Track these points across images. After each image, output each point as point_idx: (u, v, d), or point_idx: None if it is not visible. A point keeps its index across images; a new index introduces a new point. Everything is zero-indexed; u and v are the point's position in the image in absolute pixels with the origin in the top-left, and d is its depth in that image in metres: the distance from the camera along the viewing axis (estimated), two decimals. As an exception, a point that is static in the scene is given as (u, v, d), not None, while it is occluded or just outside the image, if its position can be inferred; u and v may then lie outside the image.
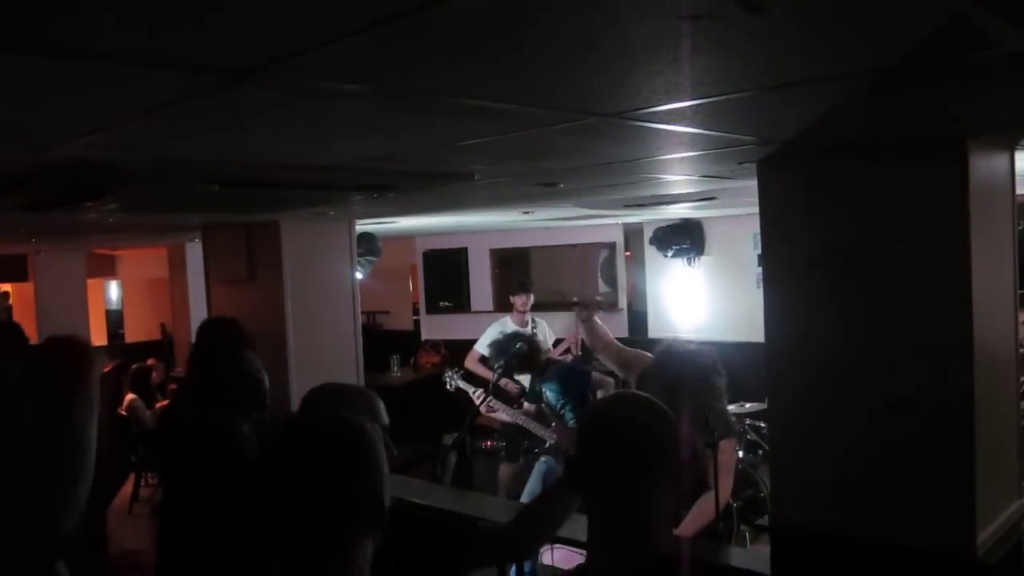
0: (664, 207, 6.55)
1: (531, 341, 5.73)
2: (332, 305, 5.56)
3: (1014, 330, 3.12)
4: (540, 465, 5.86)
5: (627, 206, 5.44)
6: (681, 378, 3.61)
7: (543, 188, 3.66)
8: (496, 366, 5.70)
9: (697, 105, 1.99)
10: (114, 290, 13.26)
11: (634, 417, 1.82)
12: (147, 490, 8.05)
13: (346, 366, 5.58)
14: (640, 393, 2.14)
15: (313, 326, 5.40)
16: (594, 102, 1.92)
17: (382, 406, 2.55)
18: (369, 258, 6.16)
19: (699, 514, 3.74)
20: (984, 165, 2.82)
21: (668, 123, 2.24)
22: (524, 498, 5.80)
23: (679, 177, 3.66)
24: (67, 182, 2.56)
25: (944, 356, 2.74)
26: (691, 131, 2.40)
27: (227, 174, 2.48)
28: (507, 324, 7.78)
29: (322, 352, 5.42)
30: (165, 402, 8.20)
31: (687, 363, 3.80)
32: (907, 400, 2.80)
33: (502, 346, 5.70)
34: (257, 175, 2.50)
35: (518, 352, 5.54)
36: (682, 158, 3.09)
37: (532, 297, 7.83)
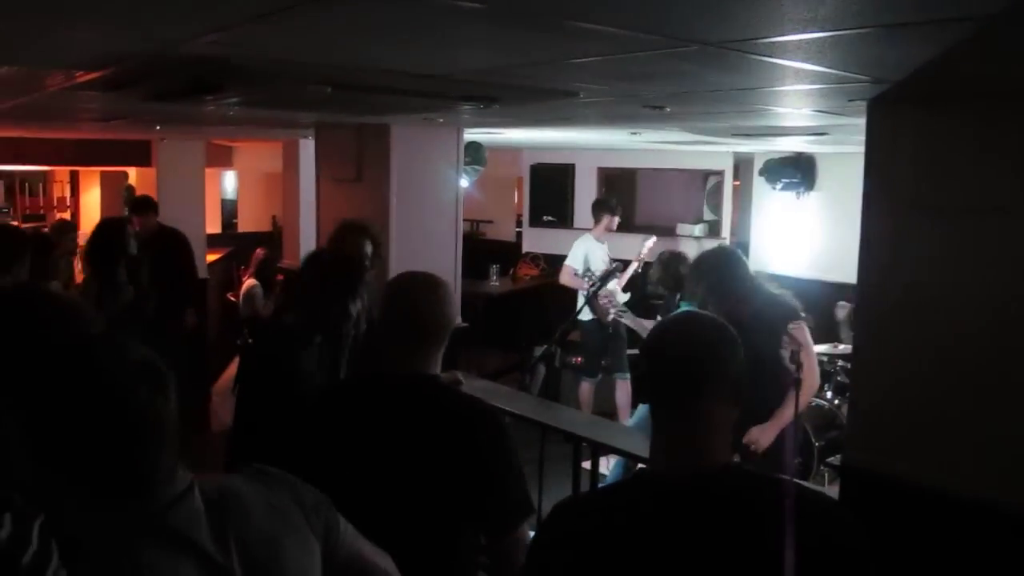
0: (774, 139, 6.43)
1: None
2: (435, 210, 5.68)
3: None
4: None
5: (735, 135, 5.37)
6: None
7: (650, 110, 3.66)
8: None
9: (812, 40, 1.98)
10: (229, 181, 13.68)
11: (694, 335, 1.87)
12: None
13: (445, 271, 5.71)
14: (705, 313, 2.18)
15: (416, 229, 5.54)
16: (701, 29, 1.93)
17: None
18: (475, 167, 6.25)
19: (780, 415, 3.92)
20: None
21: (777, 57, 2.23)
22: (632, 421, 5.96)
23: (788, 110, 3.61)
24: (192, 76, 2.69)
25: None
26: (801, 66, 2.38)
27: (339, 77, 2.57)
28: (590, 240, 7.83)
29: (422, 255, 5.54)
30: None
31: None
32: (1002, 352, 2.76)
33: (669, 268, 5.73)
34: (367, 80, 2.59)
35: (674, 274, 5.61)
36: (792, 91, 3.06)
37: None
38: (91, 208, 12.58)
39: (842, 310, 7.20)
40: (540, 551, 1.86)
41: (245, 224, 13.31)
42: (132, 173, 11.11)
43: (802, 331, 4.12)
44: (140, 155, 9.60)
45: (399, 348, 2.37)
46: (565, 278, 7.85)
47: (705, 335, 1.85)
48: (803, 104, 3.39)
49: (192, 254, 7.72)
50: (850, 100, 3.04)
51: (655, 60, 2.35)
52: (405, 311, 2.38)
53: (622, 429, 5.68)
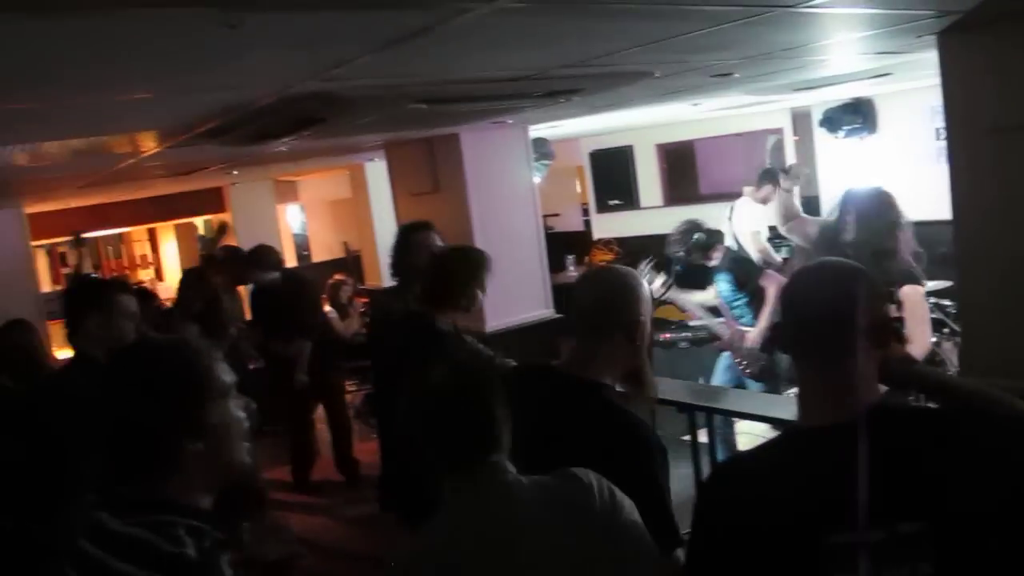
0: (831, 87, 6.46)
1: (709, 230, 5.84)
2: (515, 208, 5.84)
3: None
4: (724, 359, 6.00)
5: (797, 89, 5.43)
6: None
7: (718, 79, 3.77)
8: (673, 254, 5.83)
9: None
10: (293, 214, 14.01)
11: (827, 283, 1.97)
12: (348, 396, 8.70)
13: (531, 267, 5.87)
14: (836, 260, 2.23)
15: (498, 230, 5.69)
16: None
17: None
18: (544, 161, 6.40)
19: None
20: None
21: (848, 6, 2.33)
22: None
23: (857, 55, 3.70)
24: (296, 113, 2.88)
25: None
26: (871, 11, 2.48)
27: (435, 93, 2.74)
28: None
29: (508, 255, 5.66)
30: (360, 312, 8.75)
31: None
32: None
33: (680, 237, 5.81)
34: (460, 91, 2.75)
35: (697, 242, 5.67)
36: (861, 37, 3.15)
37: None
38: (171, 260, 13.03)
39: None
40: (706, 510, 1.95)
41: (318, 254, 13.62)
42: (199, 222, 11.55)
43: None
44: (214, 202, 9.98)
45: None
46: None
47: (846, 283, 1.94)
48: (872, 48, 3.47)
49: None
50: (919, 36, 3.12)
51: (732, 30, 2.46)
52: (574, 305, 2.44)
53: (734, 392, 5.68)
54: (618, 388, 2.47)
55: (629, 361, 2.43)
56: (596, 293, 2.45)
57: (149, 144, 3.60)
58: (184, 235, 12.66)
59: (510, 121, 5.08)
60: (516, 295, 5.71)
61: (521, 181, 5.88)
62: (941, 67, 3.15)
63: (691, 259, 5.78)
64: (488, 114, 4.05)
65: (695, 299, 5.92)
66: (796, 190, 4.96)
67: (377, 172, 8.45)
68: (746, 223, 7.97)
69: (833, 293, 1.92)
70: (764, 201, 7.68)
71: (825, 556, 1.77)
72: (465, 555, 1.83)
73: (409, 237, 4.83)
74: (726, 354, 5.95)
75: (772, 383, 5.69)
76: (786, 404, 4.34)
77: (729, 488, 1.85)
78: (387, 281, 8.54)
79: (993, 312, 3.06)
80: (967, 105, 3.08)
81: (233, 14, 1.35)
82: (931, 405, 2.34)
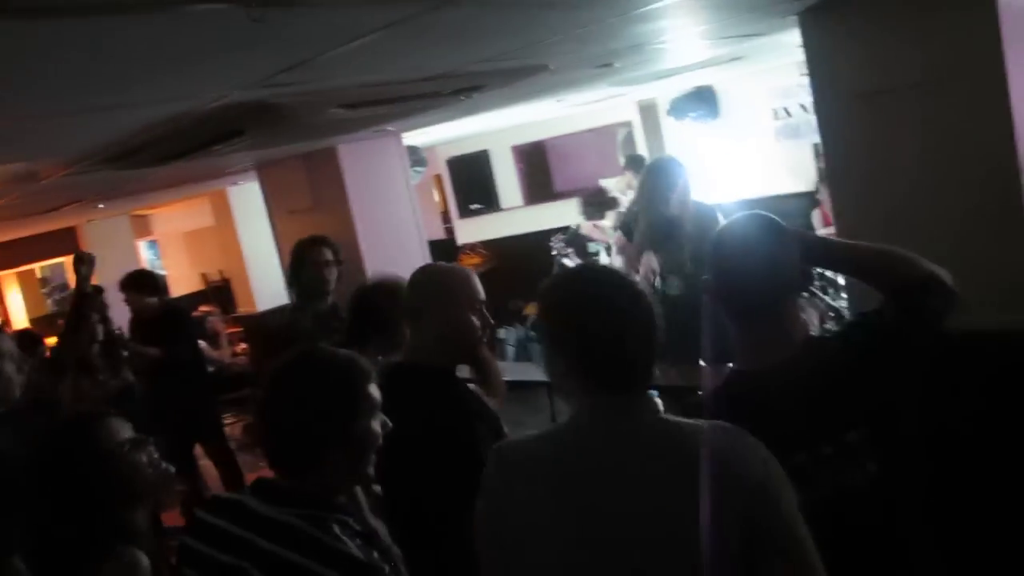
0: (675, 76, 6.83)
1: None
2: (397, 218, 5.91)
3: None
4: None
5: (660, 77, 5.74)
6: None
7: (599, 69, 3.99)
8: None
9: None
10: (147, 249, 13.54)
11: (756, 239, 2.19)
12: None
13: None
14: (755, 215, 2.42)
15: (384, 240, 5.74)
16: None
17: None
18: (418, 168, 6.50)
19: None
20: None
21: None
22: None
23: (726, 37, 3.98)
24: (216, 126, 2.90)
25: (990, 158, 3.11)
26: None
27: (356, 96, 2.83)
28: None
29: (395, 265, 5.64)
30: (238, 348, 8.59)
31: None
32: (966, 204, 3.17)
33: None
34: (380, 92, 2.84)
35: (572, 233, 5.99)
36: (729, 21, 3.42)
37: None
38: (17, 311, 12.38)
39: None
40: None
41: (175, 288, 13.23)
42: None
43: None
44: (67, 243, 9.57)
45: None
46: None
47: (775, 237, 2.16)
48: (738, 31, 3.76)
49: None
50: (783, 16, 3.42)
51: (624, 23, 2.67)
52: None
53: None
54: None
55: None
56: None
57: (45, 171, 3.51)
58: (25, 282, 12.07)
59: (391, 129, 5.17)
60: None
61: (401, 189, 5.96)
62: (805, 43, 3.46)
63: (576, 249, 6.10)
64: (386, 119, 4.14)
65: None
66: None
67: (242, 196, 8.37)
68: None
69: (765, 248, 2.15)
70: (630, 187, 8.05)
71: (789, 475, 2.00)
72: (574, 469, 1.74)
73: (302, 254, 4.87)
74: None
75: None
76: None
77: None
78: (263, 305, 8.48)
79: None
80: (832, 75, 3.39)
81: (256, 9, 1.40)
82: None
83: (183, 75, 1.98)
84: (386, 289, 3.55)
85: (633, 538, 1.67)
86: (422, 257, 6.05)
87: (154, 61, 1.78)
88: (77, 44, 1.56)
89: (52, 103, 2.09)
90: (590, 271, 1.96)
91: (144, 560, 1.98)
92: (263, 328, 7.29)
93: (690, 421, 1.78)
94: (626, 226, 5.41)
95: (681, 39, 3.63)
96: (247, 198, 8.31)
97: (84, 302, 5.35)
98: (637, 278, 2.50)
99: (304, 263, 4.91)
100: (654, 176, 4.69)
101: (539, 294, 1.87)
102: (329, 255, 4.84)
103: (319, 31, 1.80)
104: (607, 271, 1.98)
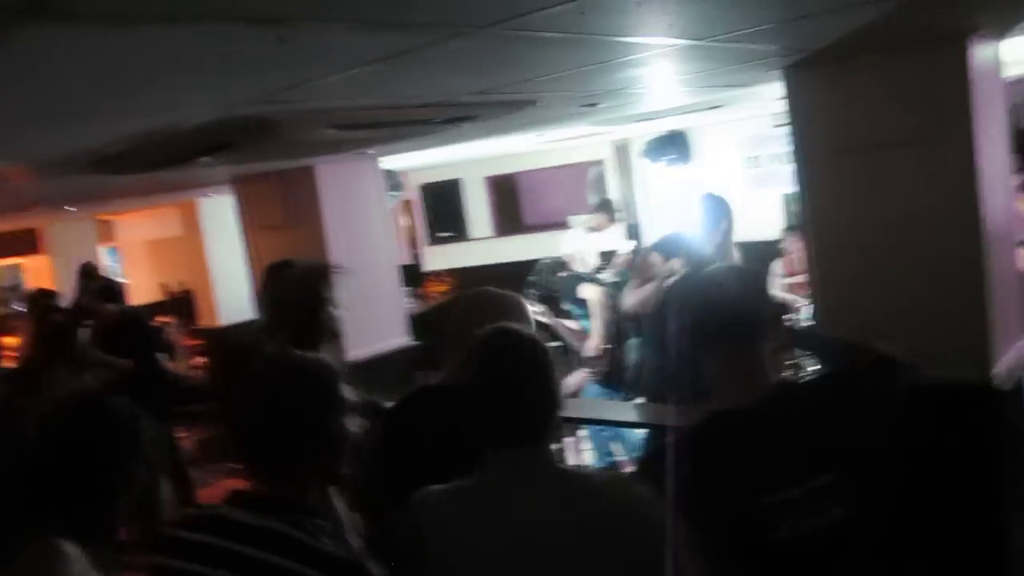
0: (652, 120, 6.98)
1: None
2: (372, 241, 5.91)
3: (1010, 196, 3.62)
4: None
5: (639, 120, 5.85)
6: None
7: (583, 109, 4.08)
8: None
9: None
10: (109, 256, 13.37)
11: (736, 285, 2.28)
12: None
13: (390, 300, 5.97)
14: (730, 266, 2.58)
15: (358, 262, 5.70)
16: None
17: None
18: (393, 193, 6.54)
19: None
20: (980, 54, 3.28)
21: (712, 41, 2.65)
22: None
23: (710, 87, 4.09)
24: (205, 138, 2.94)
25: (956, 218, 3.23)
26: (732, 46, 2.80)
27: (349, 117, 2.88)
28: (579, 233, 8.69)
29: (368, 288, 5.63)
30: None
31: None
32: (931, 261, 3.29)
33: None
34: (374, 116, 2.90)
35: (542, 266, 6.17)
36: (715, 71, 3.52)
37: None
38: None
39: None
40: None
41: (136, 297, 13.07)
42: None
43: None
44: (27, 244, 9.46)
45: None
46: None
47: (753, 283, 2.29)
48: (723, 81, 3.87)
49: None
50: (767, 71, 3.53)
51: (615, 67, 2.75)
52: None
53: (602, 402, 6.04)
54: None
55: None
56: None
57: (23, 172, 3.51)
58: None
59: (371, 152, 5.22)
60: (377, 325, 5.80)
61: (376, 212, 5.98)
62: (788, 97, 3.56)
63: (545, 281, 6.19)
64: (372, 142, 4.19)
65: (567, 324, 6.38)
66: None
67: (214, 209, 8.33)
68: (577, 247, 8.45)
69: (744, 293, 2.25)
70: (597, 229, 8.19)
71: (758, 517, 2.08)
72: (486, 522, 1.90)
73: (274, 276, 4.86)
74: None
75: (617, 388, 6.17)
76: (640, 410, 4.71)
77: (655, 477, 2.03)
78: (226, 319, 8.42)
79: (849, 320, 3.41)
80: (813, 131, 3.50)
81: (285, 29, 1.45)
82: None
83: (198, 85, 2.02)
84: (309, 278, 3.82)
85: None
86: (394, 280, 6.08)
87: (170, 70, 1.82)
88: (99, 50, 1.59)
89: (61, 105, 2.12)
90: (497, 335, 2.04)
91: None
92: (226, 343, 7.28)
93: (588, 472, 1.96)
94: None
95: (666, 85, 3.72)
96: (218, 210, 8.28)
97: (83, 316, 5.29)
98: None
99: (276, 285, 4.92)
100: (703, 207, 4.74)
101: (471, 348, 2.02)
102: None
103: (335, 53, 1.85)
104: (514, 334, 2.06)
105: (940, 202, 3.25)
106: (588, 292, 7.08)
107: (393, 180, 6.59)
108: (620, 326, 6.39)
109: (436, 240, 10.56)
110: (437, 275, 10.45)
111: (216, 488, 7.97)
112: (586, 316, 6.87)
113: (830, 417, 2.17)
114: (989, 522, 3.24)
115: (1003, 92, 3.56)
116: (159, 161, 3.26)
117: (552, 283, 7.42)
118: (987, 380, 3.26)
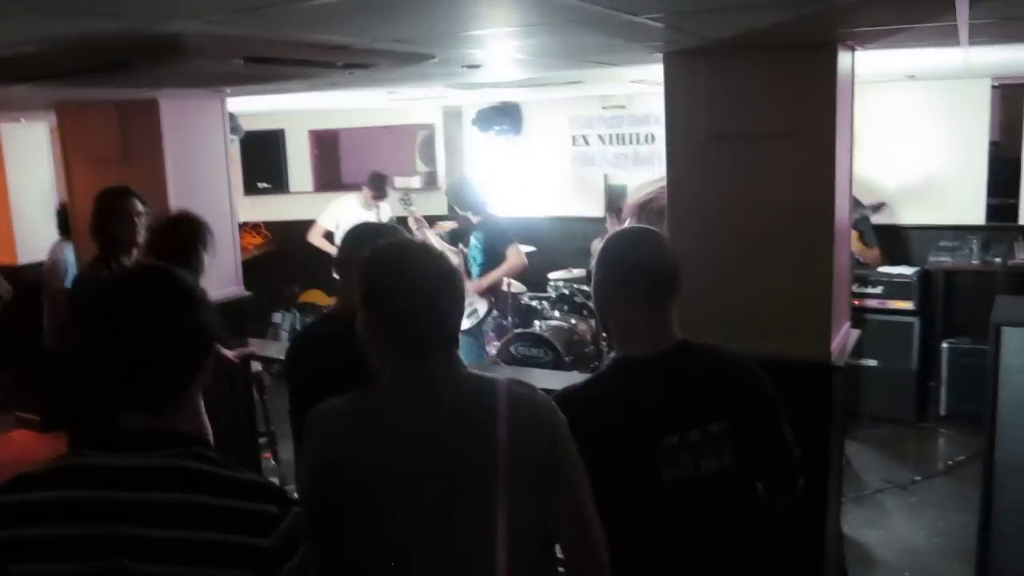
0: (487, 88, 7.07)
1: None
2: (211, 183, 5.71)
3: (849, 189, 3.97)
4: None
5: (502, 86, 5.91)
6: None
7: (464, 69, 4.12)
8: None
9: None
10: None
11: (653, 245, 2.44)
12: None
13: (226, 245, 5.76)
14: (646, 228, 2.73)
15: (194, 203, 5.51)
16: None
17: None
18: (232, 136, 6.32)
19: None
20: (843, 62, 3.59)
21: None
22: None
23: (590, 61, 4.21)
24: (102, 54, 2.78)
25: (813, 209, 3.54)
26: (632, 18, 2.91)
27: (254, 49, 2.79)
28: (352, 203, 8.52)
29: None
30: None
31: None
32: (788, 248, 3.58)
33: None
34: (282, 52, 2.82)
35: None
36: (608, 43, 3.61)
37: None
38: None
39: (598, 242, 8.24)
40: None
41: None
42: None
43: None
44: None
45: None
46: (315, 238, 8.41)
47: (668, 245, 2.46)
48: (608, 58, 4.01)
49: None
50: (651, 54, 3.70)
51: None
52: None
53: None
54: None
55: None
56: None
57: None
58: None
59: (228, 91, 5.03)
60: (212, 273, 5.60)
61: (218, 154, 5.77)
62: (666, 82, 3.76)
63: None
64: (255, 80, 4.05)
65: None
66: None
67: (22, 136, 7.74)
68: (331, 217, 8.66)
69: (665, 252, 2.42)
70: (366, 205, 8.43)
71: (658, 455, 2.29)
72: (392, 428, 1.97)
73: (110, 204, 4.72)
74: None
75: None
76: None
77: (569, 412, 2.14)
78: (26, 257, 7.82)
79: (705, 304, 3.58)
80: (688, 116, 3.70)
81: None
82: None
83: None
84: (186, 221, 4.43)
85: (446, 476, 1.94)
86: (231, 223, 5.88)
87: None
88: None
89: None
90: (402, 248, 2.12)
91: None
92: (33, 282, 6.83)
93: (489, 375, 2.09)
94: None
95: (548, 52, 3.82)
96: (27, 139, 7.72)
97: None
98: None
99: (112, 215, 4.73)
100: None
101: (359, 266, 2.06)
102: (140, 207, 4.78)
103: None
104: (420, 247, 2.16)
105: (800, 194, 3.54)
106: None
107: (234, 123, 6.36)
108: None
109: (253, 190, 10.22)
110: (254, 226, 10.14)
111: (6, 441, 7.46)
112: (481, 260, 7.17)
113: (721, 373, 2.40)
114: (819, 473, 3.55)
115: (852, 98, 3.91)
116: (42, 72, 3.02)
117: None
118: (827, 357, 3.59)
